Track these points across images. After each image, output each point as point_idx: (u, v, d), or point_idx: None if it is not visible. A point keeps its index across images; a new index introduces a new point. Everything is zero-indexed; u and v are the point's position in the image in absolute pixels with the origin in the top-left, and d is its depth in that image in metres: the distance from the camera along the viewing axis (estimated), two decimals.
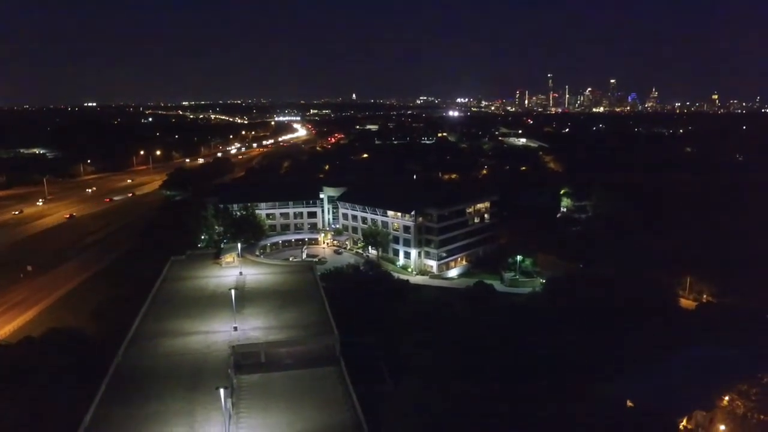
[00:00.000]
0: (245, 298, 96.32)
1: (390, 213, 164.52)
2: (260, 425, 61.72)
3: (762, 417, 69.88)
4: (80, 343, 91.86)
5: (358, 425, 61.09)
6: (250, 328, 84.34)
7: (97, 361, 77.82)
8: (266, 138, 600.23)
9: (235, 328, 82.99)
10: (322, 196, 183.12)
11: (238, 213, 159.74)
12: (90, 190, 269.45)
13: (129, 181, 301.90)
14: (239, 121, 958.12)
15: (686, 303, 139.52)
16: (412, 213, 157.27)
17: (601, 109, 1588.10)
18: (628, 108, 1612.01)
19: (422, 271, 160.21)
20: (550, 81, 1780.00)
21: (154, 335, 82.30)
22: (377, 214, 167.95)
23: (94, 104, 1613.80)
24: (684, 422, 74.55)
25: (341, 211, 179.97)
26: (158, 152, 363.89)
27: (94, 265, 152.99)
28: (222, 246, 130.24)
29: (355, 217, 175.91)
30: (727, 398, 73.85)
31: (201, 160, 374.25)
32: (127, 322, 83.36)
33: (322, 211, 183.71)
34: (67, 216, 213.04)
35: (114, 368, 71.57)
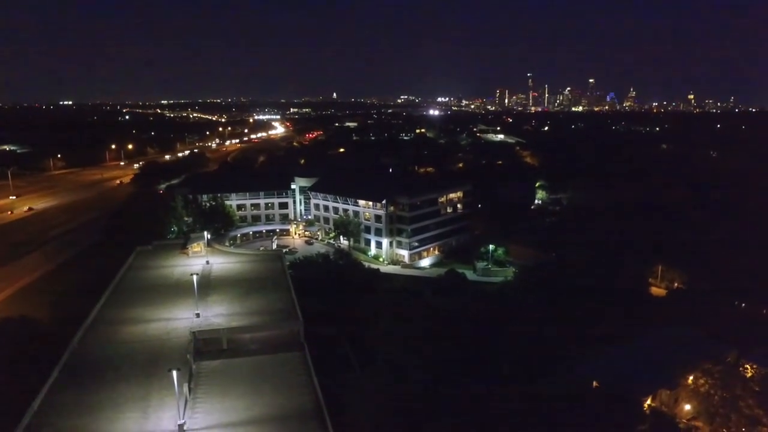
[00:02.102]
0: (210, 286, 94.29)
1: (361, 202, 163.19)
2: (217, 410, 59.84)
3: (725, 394, 69.93)
4: (34, 331, 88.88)
5: (319, 410, 59.53)
6: (213, 314, 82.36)
7: (50, 350, 75.34)
8: (244, 135, 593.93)
9: (198, 315, 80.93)
10: (293, 186, 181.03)
11: (208, 203, 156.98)
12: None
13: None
14: (218, 119, 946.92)
15: (657, 291, 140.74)
16: (384, 202, 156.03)
17: (580, 108, 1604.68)
18: (607, 107, 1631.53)
19: (394, 261, 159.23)
20: (530, 80, 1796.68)
21: (112, 323, 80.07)
22: (349, 204, 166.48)
23: (70, 102, 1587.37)
24: (649, 401, 74.33)
25: (313, 201, 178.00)
26: (130, 146, 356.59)
27: (57, 257, 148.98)
28: (189, 236, 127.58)
29: (326, 208, 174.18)
30: (691, 377, 73.80)
31: (177, 155, 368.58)
32: (87, 313, 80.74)
33: (294, 202, 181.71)
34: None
35: (68, 355, 69.26)
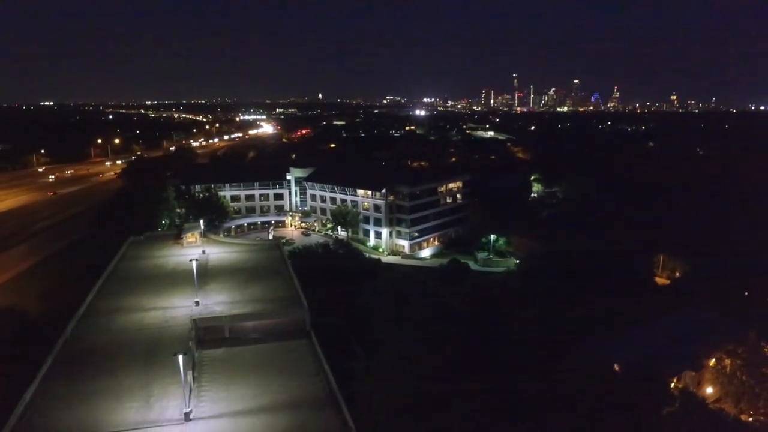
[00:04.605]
0: (208, 275, 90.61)
1: (360, 192, 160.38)
2: (223, 398, 56.42)
3: (751, 376, 67.58)
4: (24, 321, 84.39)
5: (332, 396, 56.30)
6: (214, 302, 78.81)
7: (41, 340, 71.46)
8: (232, 132, 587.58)
9: (197, 303, 77.31)
10: (288, 177, 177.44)
11: (201, 195, 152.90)
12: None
13: (86, 170, 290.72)
14: (203, 119, 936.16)
15: (660, 280, 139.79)
16: (383, 191, 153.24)
17: (565, 109, 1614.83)
18: (591, 107, 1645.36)
19: (394, 252, 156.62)
20: (515, 81, 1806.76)
21: (106, 312, 76.21)
22: (347, 194, 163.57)
23: (52, 103, 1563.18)
24: (674, 382, 71.90)
25: (309, 192, 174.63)
26: (117, 141, 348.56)
27: (44, 250, 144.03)
28: (184, 225, 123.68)
29: (323, 198, 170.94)
30: (714, 359, 71.52)
31: (165, 151, 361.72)
32: (79, 302, 76.75)
33: (289, 193, 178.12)
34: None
35: (61, 344, 65.29)
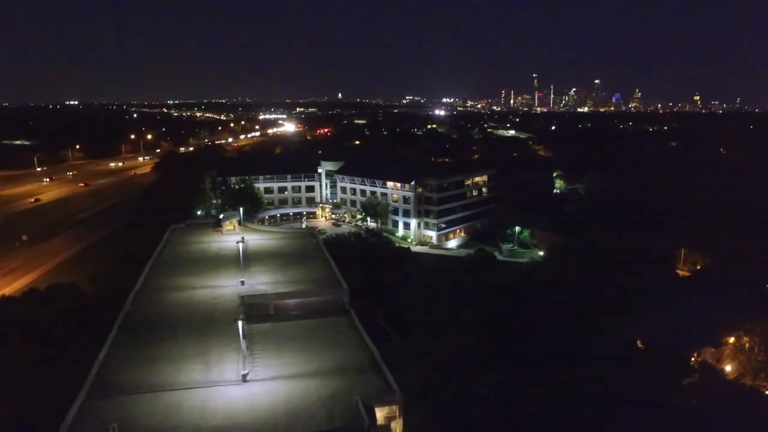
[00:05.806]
0: (249, 259, 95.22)
1: (389, 184, 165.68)
2: (275, 364, 60.97)
3: None
4: (82, 296, 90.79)
5: (375, 363, 60.86)
6: (257, 282, 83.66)
7: (99, 313, 77.41)
8: (254, 130, 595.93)
9: (242, 283, 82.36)
10: (320, 170, 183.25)
11: (236, 186, 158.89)
12: None
13: (120, 164, 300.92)
14: (225, 118, 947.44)
15: (681, 273, 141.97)
16: (413, 183, 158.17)
17: (586, 109, 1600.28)
18: (613, 108, 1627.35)
19: (421, 242, 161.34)
20: (536, 81, 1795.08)
21: (160, 289, 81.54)
22: (376, 186, 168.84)
23: (76, 102, 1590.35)
24: (694, 357, 75.52)
25: (339, 184, 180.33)
26: (149, 136, 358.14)
27: (89, 237, 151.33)
28: (223, 214, 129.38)
29: (353, 191, 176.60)
30: (733, 337, 75.02)
31: (191, 149, 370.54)
32: (128, 284, 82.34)
33: (320, 186, 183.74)
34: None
35: (123, 315, 70.75)
